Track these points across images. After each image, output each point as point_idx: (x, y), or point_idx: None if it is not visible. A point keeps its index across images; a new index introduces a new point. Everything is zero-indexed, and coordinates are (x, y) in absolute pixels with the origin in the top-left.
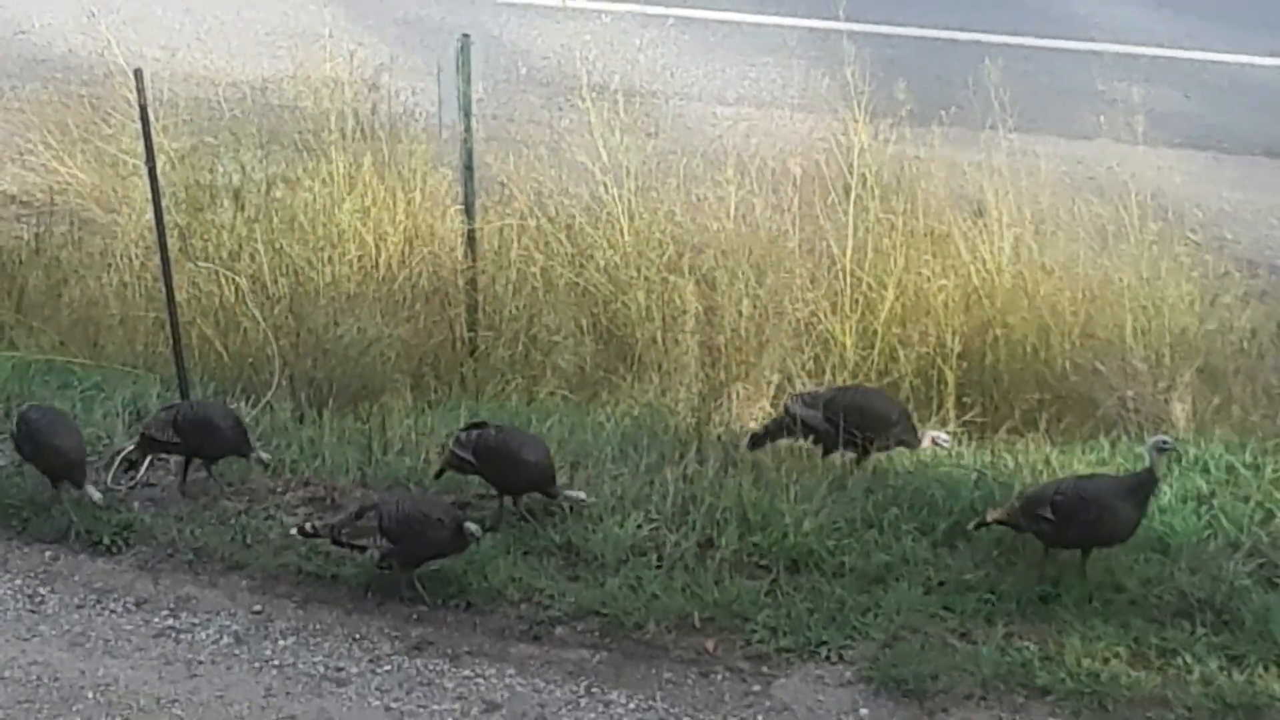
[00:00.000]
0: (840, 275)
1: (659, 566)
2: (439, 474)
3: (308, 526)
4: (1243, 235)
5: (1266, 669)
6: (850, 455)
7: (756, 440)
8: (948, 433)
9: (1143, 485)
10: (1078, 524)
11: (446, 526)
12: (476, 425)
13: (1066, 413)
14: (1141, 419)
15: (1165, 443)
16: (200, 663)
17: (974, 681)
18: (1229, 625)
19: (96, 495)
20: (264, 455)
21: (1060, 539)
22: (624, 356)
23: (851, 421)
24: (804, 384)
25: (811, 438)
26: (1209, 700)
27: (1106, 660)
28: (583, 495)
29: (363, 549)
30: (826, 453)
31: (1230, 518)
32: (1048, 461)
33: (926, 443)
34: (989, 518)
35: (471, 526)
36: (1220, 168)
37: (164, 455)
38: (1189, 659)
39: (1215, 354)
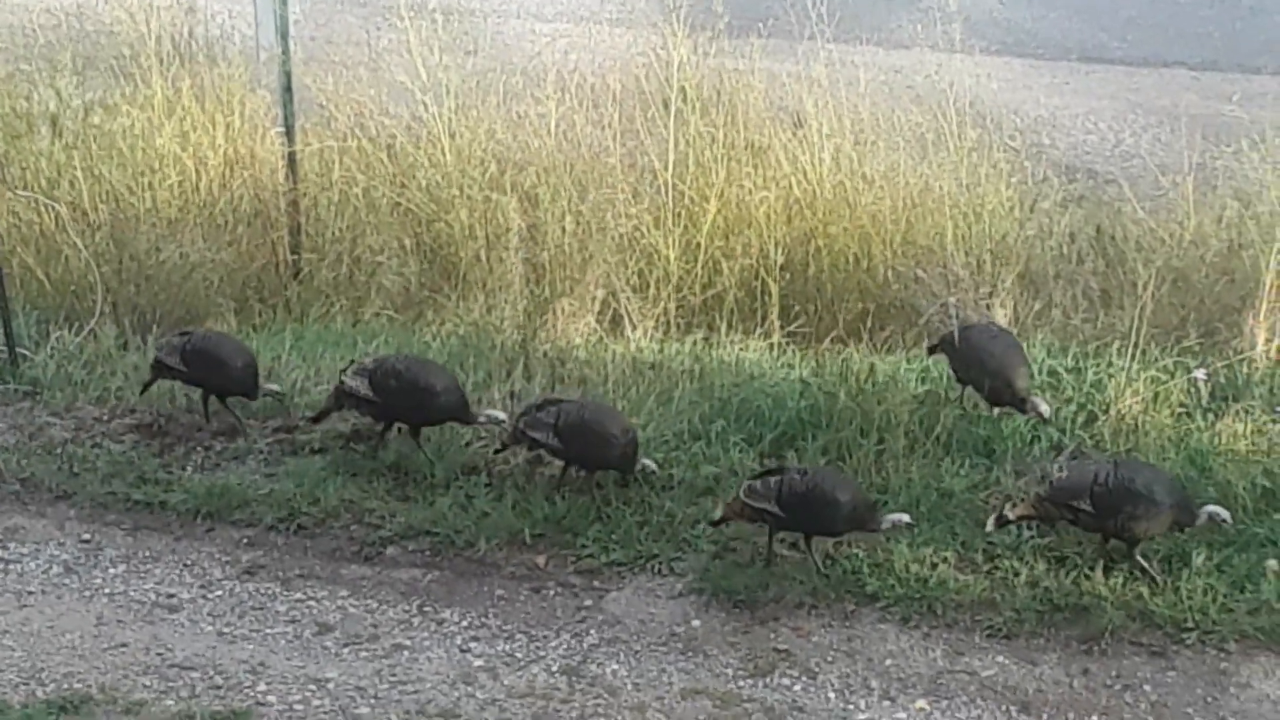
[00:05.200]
0: (662, 189)
1: (489, 485)
2: (317, 419)
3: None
4: (1060, 140)
5: (1092, 570)
6: None
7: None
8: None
9: (1184, 521)
10: (1121, 517)
11: (618, 443)
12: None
13: (890, 321)
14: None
15: (1220, 516)
16: (30, 593)
17: (804, 590)
18: (1054, 528)
19: None
20: (273, 387)
21: (1098, 529)
22: (448, 275)
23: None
24: (628, 299)
25: None
26: (1036, 602)
27: (934, 565)
28: (502, 416)
29: (536, 442)
30: None
31: (1053, 421)
32: (872, 369)
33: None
34: (1011, 515)
35: (648, 463)
36: (1036, 74)
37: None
38: (1015, 562)
39: (1035, 259)
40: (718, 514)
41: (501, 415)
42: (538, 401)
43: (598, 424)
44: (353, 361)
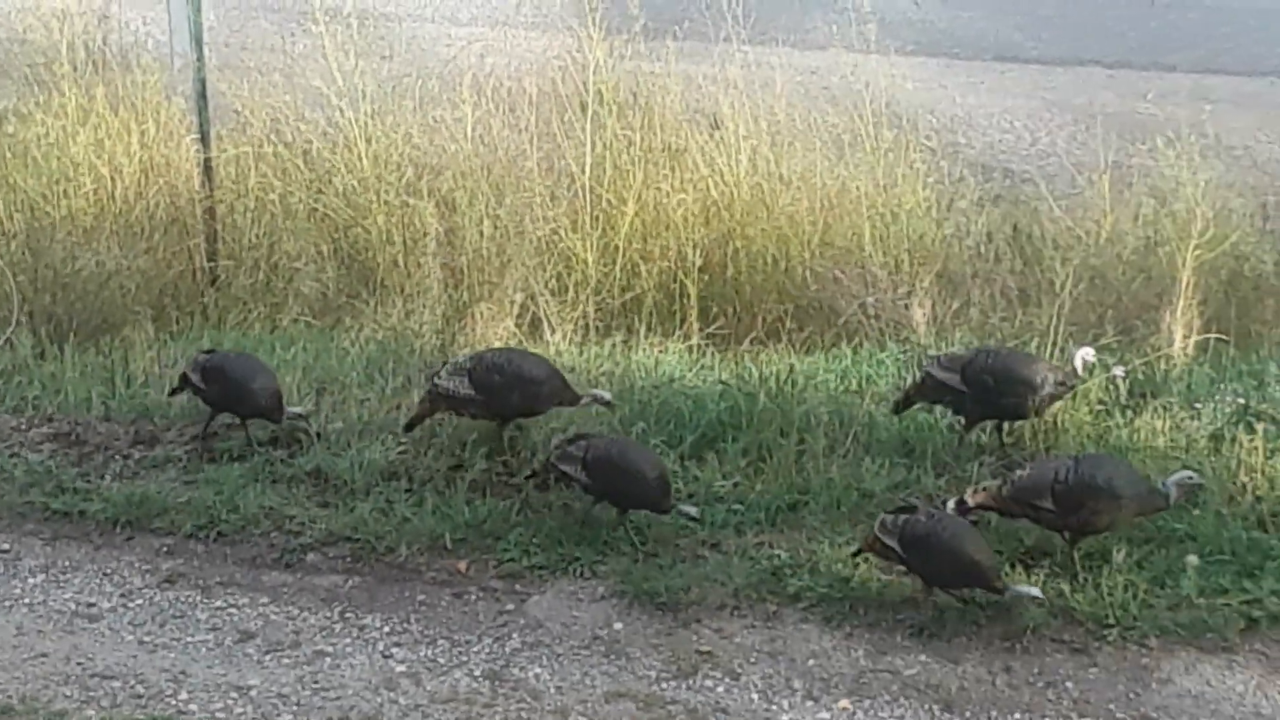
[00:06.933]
0: (580, 193)
1: (409, 490)
2: (411, 426)
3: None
4: (976, 140)
5: (1012, 566)
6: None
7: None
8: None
9: (1153, 505)
10: (1083, 512)
11: (650, 482)
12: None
13: (808, 321)
14: (882, 325)
15: (1191, 478)
16: None
17: (726, 592)
18: (975, 525)
19: None
20: (298, 410)
21: (1061, 527)
22: (366, 281)
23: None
24: (547, 302)
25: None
26: (958, 601)
27: (857, 565)
28: (607, 396)
29: (566, 476)
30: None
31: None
32: (791, 370)
33: (1078, 363)
34: (971, 502)
35: (688, 509)
36: (952, 73)
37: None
38: None
39: (953, 258)
40: (856, 546)
41: (607, 395)
42: (570, 435)
43: (627, 460)
44: (443, 363)
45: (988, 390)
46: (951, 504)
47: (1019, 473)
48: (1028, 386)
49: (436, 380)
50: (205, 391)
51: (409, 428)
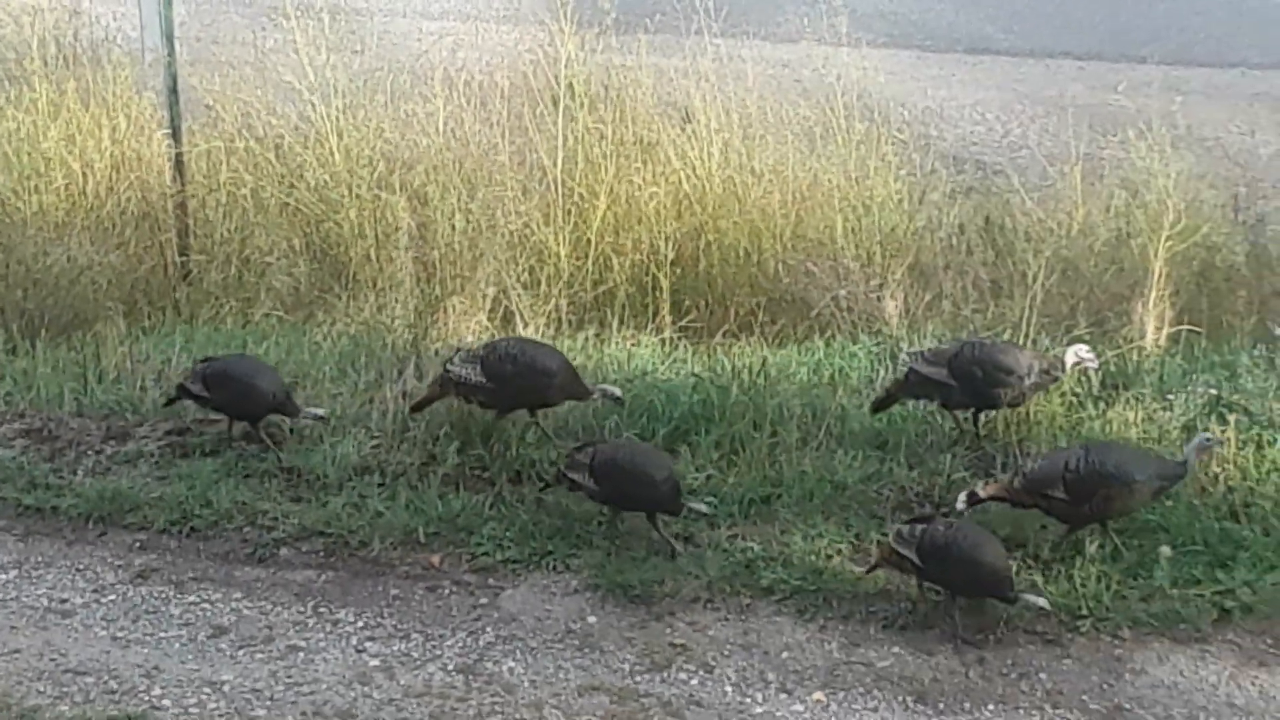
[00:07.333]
0: (552, 186)
1: (382, 484)
2: (418, 408)
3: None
4: (947, 132)
5: None
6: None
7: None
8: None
9: (1172, 476)
10: (1096, 499)
11: (659, 485)
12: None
13: (781, 314)
14: (855, 317)
15: (1209, 440)
16: None
17: (699, 585)
18: (947, 517)
19: None
20: (319, 411)
21: (1074, 516)
22: (338, 275)
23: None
24: (519, 296)
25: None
26: (931, 593)
27: (829, 557)
28: (618, 391)
29: (575, 484)
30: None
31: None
32: (764, 363)
33: (1071, 359)
34: (982, 494)
35: (698, 504)
36: (924, 66)
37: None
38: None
39: (925, 250)
40: (871, 560)
41: (617, 391)
42: (579, 443)
43: (633, 464)
44: (457, 350)
45: (976, 382)
46: (963, 497)
47: (1030, 464)
48: (1015, 376)
49: (449, 366)
50: (211, 399)
51: (416, 409)
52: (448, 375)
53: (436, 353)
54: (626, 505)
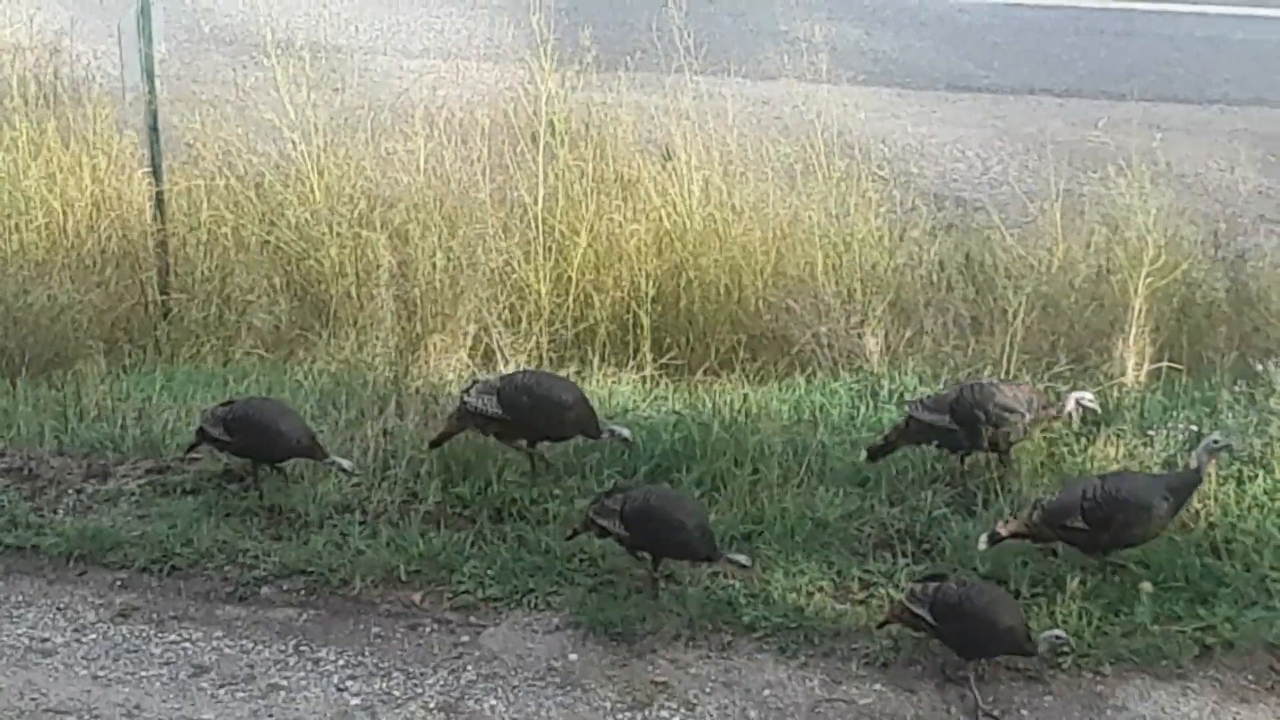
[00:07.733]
0: (532, 223)
1: (363, 522)
2: (438, 443)
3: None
4: (928, 169)
5: None
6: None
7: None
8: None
9: (1186, 486)
10: (1114, 527)
11: (690, 532)
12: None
13: (762, 351)
14: (836, 354)
15: (1217, 442)
16: None
17: (680, 622)
18: (929, 554)
19: None
20: (344, 464)
21: (1095, 545)
22: (319, 313)
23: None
24: (500, 334)
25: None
26: (912, 630)
27: (811, 594)
28: (626, 433)
29: (605, 531)
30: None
31: (926, 449)
32: (745, 400)
33: (1071, 406)
34: (1004, 532)
35: (736, 556)
36: (904, 103)
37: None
38: (891, 590)
39: (906, 287)
40: (881, 618)
41: (626, 432)
42: (609, 488)
43: (664, 510)
44: (474, 381)
45: (979, 425)
46: (984, 538)
47: (1047, 497)
48: (1017, 414)
49: (466, 398)
50: (233, 443)
51: (435, 444)
52: (465, 407)
53: (417, 390)
54: (658, 552)
